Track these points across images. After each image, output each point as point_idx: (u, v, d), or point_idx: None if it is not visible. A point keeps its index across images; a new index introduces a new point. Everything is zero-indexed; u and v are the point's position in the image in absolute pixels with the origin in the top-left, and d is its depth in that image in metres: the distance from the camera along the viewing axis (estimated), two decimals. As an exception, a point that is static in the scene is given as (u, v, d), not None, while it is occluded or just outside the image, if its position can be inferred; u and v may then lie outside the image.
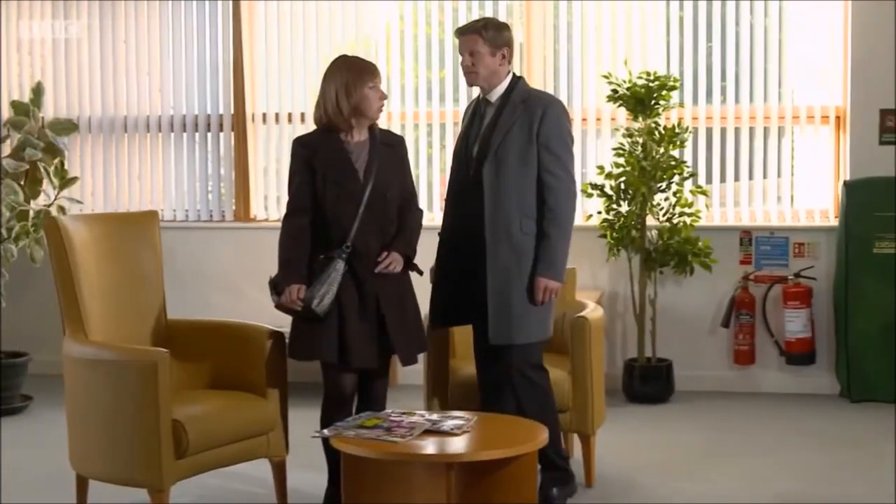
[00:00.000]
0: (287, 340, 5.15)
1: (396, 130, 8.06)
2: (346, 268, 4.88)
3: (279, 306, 4.95)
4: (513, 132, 5.07)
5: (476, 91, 5.31)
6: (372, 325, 4.94)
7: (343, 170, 4.94)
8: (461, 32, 5.21)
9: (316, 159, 4.94)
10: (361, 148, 5.00)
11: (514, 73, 5.24)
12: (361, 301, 4.93)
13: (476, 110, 5.27)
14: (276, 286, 4.94)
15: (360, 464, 4.47)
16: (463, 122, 5.39)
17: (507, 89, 5.17)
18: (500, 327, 5.08)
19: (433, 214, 7.98)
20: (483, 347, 5.20)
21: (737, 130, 7.77)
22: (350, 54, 5.21)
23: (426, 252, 5.21)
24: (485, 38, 5.11)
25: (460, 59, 5.23)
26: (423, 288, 5.21)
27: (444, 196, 5.41)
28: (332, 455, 4.83)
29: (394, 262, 4.95)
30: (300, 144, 5.04)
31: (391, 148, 5.10)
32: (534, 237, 5.10)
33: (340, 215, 4.91)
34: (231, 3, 8.19)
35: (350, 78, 4.93)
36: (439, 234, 5.31)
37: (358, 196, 4.91)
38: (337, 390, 4.97)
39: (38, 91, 7.70)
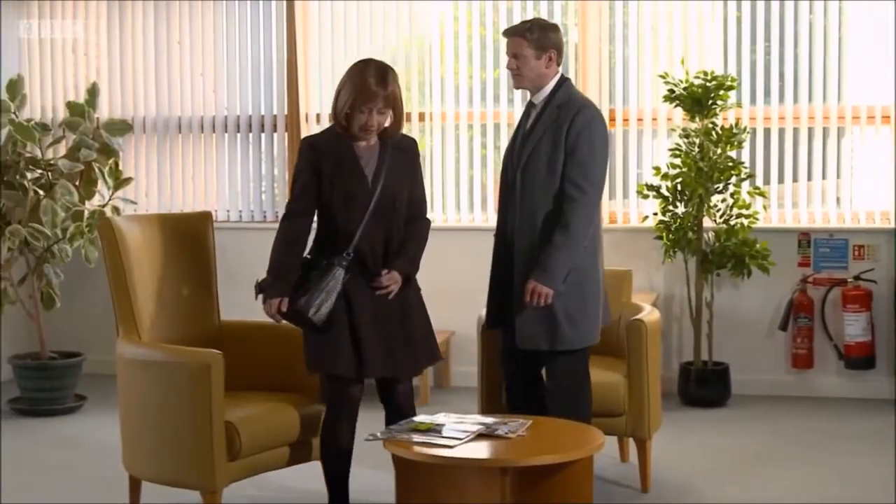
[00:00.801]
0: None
1: (450, 131, 8.05)
2: (347, 276, 4.72)
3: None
4: (544, 139, 4.99)
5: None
6: (386, 335, 4.80)
7: (352, 175, 4.78)
8: (507, 34, 5.15)
9: (324, 162, 4.78)
10: (372, 152, 4.85)
11: (561, 75, 5.13)
12: (374, 309, 4.78)
13: (526, 112, 5.22)
14: (262, 291, 4.77)
15: (414, 468, 4.43)
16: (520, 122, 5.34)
17: (552, 92, 5.08)
18: (530, 333, 5.00)
19: (487, 215, 7.96)
20: (513, 349, 5.14)
21: (795, 131, 7.67)
22: (371, 62, 4.88)
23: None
24: (529, 41, 5.03)
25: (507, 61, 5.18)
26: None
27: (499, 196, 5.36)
28: (332, 473, 4.79)
29: (392, 284, 4.79)
30: (309, 145, 4.86)
31: (403, 153, 4.92)
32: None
33: (346, 220, 4.75)
34: (285, 3, 8.19)
35: (349, 92, 4.77)
36: (495, 234, 5.26)
37: (365, 202, 4.76)
38: (349, 401, 4.78)
39: (93, 92, 7.72)
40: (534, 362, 5.14)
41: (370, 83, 4.75)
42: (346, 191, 4.76)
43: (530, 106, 5.16)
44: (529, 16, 7.85)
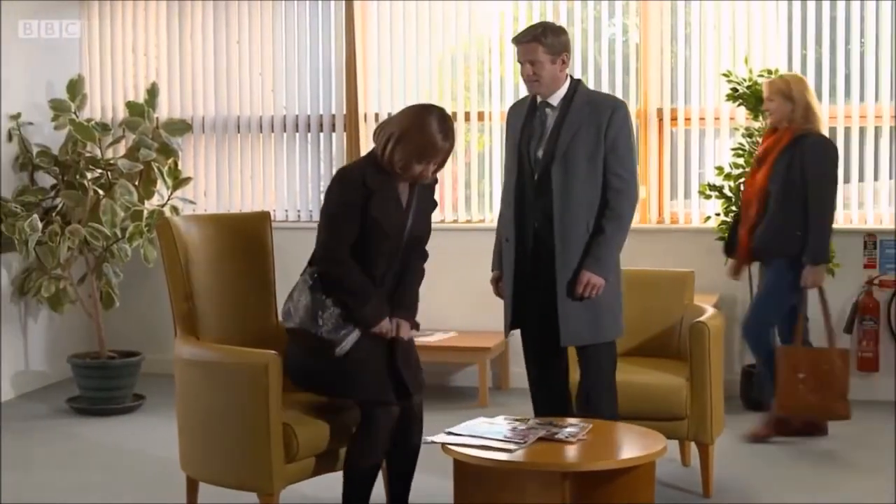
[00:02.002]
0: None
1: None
2: None
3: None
4: (581, 133, 5.00)
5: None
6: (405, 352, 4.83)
7: (395, 223, 4.71)
8: (519, 41, 5.10)
9: (372, 204, 4.64)
10: (404, 191, 4.80)
11: (570, 76, 5.16)
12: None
13: (532, 112, 5.17)
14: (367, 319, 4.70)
15: (473, 472, 4.38)
16: (511, 123, 5.27)
17: (569, 91, 5.10)
18: (574, 330, 5.01)
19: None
20: (541, 350, 5.18)
21: (861, 129, 7.53)
22: (433, 112, 4.71)
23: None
24: (545, 45, 5.02)
25: (520, 67, 5.13)
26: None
27: (503, 198, 5.29)
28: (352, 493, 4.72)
29: (402, 333, 4.79)
30: (362, 184, 4.66)
31: (428, 189, 4.90)
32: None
33: (375, 254, 4.71)
34: (344, 2, 8.17)
35: (412, 147, 4.62)
36: (505, 238, 5.21)
37: (398, 241, 4.76)
38: (390, 420, 4.71)
39: (152, 92, 7.75)
40: (559, 365, 5.22)
41: (437, 139, 4.65)
42: (386, 237, 4.71)
43: (544, 106, 5.12)
44: (590, 15, 7.81)
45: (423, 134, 4.62)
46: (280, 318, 4.83)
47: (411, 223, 4.78)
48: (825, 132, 6.48)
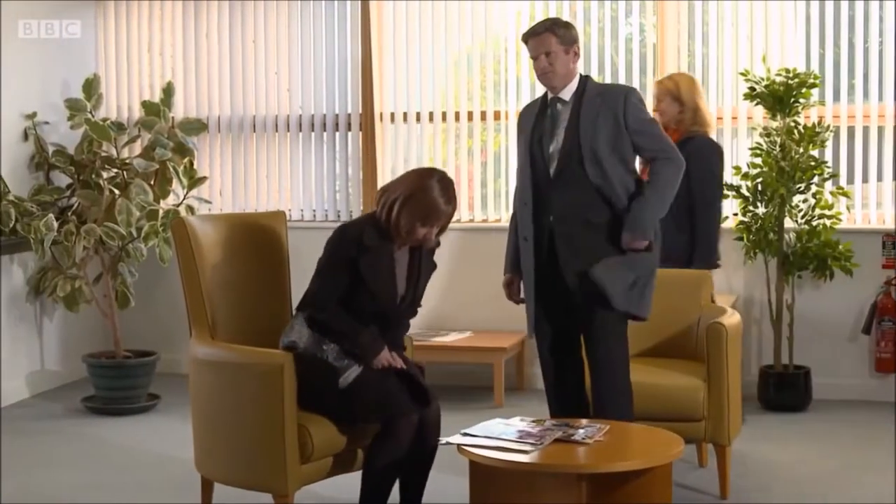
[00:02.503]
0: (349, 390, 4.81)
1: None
2: None
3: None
4: (599, 123, 5.00)
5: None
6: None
7: (385, 288, 4.78)
8: (533, 34, 5.11)
9: (362, 262, 4.72)
10: (403, 256, 4.86)
11: (580, 73, 5.16)
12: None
13: (543, 110, 5.16)
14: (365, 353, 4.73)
15: (489, 473, 4.36)
16: (522, 124, 5.26)
17: (579, 87, 5.10)
18: (621, 293, 5.00)
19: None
20: (558, 349, 5.18)
21: (880, 129, 7.48)
22: (434, 175, 4.79)
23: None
24: (558, 36, 5.05)
25: (533, 62, 5.13)
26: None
27: (518, 198, 5.26)
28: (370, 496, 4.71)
29: (397, 363, 4.79)
30: (354, 241, 4.74)
31: (430, 253, 4.94)
32: None
33: (360, 314, 4.76)
34: (360, 2, 8.15)
35: (415, 210, 4.69)
36: (523, 237, 5.18)
37: (389, 309, 4.82)
38: (411, 428, 4.71)
39: (168, 91, 7.74)
40: (575, 365, 5.21)
41: (439, 203, 4.73)
42: (375, 298, 4.76)
43: (556, 101, 5.12)
44: (607, 14, 7.79)
45: (427, 197, 4.69)
46: (280, 347, 4.82)
47: (404, 289, 4.85)
48: (713, 134, 6.46)
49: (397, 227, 4.72)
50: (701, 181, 6.18)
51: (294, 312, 4.90)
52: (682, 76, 6.59)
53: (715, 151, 6.37)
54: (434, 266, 4.98)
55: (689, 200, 6.12)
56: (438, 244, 4.95)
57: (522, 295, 5.25)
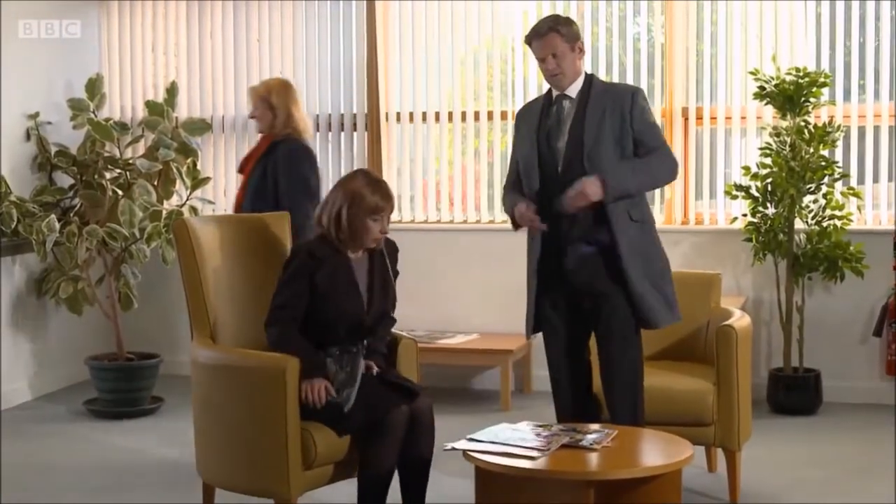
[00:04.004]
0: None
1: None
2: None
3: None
4: (605, 121, 4.94)
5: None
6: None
7: (346, 294, 4.76)
8: (536, 35, 5.03)
9: (319, 276, 4.72)
10: (361, 264, 4.85)
11: (584, 72, 5.11)
12: None
13: (548, 107, 5.10)
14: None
15: (495, 479, 4.29)
16: (523, 123, 5.19)
17: (585, 84, 5.05)
18: (651, 307, 4.96)
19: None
20: (565, 351, 5.12)
21: (890, 129, 7.41)
22: (364, 173, 4.91)
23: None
24: (562, 35, 4.99)
25: (540, 64, 5.06)
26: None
27: (513, 188, 5.20)
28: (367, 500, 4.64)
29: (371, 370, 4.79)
30: (308, 256, 4.75)
31: (388, 260, 4.93)
32: (643, 223, 5.00)
33: (338, 330, 4.75)
34: (365, 2, 8.09)
35: (360, 207, 4.74)
36: (531, 236, 5.12)
37: (359, 319, 4.78)
38: (401, 419, 4.65)
39: (172, 91, 7.70)
40: (582, 368, 5.15)
41: (377, 193, 4.78)
42: (341, 309, 4.75)
43: (562, 98, 5.05)
44: (615, 14, 7.74)
45: (365, 193, 4.75)
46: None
47: (368, 298, 4.82)
48: (308, 140, 6.25)
49: (352, 232, 4.75)
50: (289, 184, 6.02)
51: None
52: (276, 82, 6.38)
53: (307, 157, 6.14)
54: (397, 273, 4.98)
55: (279, 205, 5.92)
56: (397, 249, 4.99)
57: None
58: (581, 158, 4.94)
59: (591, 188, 4.82)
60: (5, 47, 7.37)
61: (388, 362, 4.94)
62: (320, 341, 4.74)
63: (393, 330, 5.09)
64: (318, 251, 4.77)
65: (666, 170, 5.03)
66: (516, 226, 5.13)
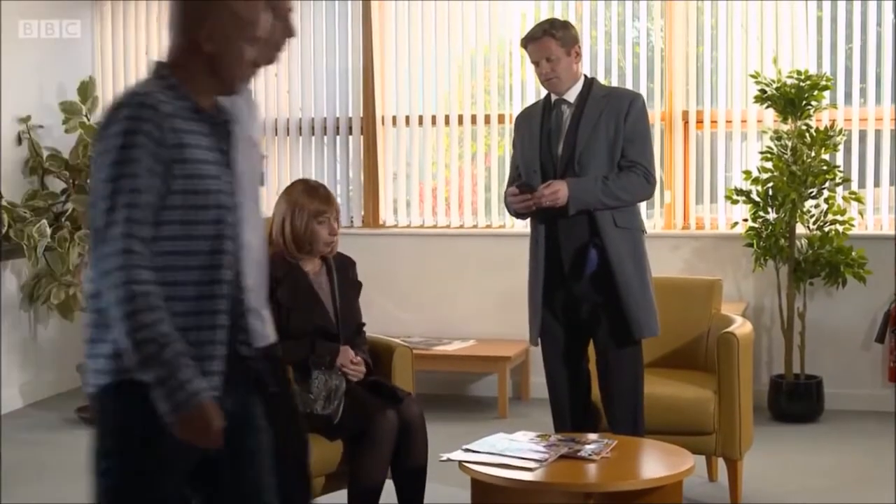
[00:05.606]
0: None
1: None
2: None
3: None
4: (600, 125, 4.89)
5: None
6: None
7: (311, 307, 4.75)
8: (531, 39, 4.99)
9: (280, 294, 4.67)
10: (320, 278, 4.84)
11: (585, 75, 5.06)
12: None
13: (548, 112, 5.04)
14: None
15: (492, 491, 4.21)
16: (522, 128, 5.13)
17: (584, 88, 4.99)
18: (643, 321, 4.90)
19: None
20: (564, 358, 5.06)
21: (893, 132, 7.34)
22: (302, 181, 4.95)
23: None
24: (557, 39, 4.93)
25: (535, 68, 5.01)
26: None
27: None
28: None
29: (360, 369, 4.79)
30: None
31: (346, 273, 4.92)
32: (633, 230, 4.94)
33: (313, 343, 4.71)
34: (361, 4, 8.02)
35: (304, 209, 4.74)
36: (535, 240, 5.05)
37: (329, 330, 4.76)
38: (391, 425, 4.61)
39: (168, 93, 7.61)
40: (581, 375, 5.10)
41: (315, 195, 4.79)
42: (308, 322, 4.73)
43: (561, 103, 5.00)
44: (613, 15, 7.65)
45: (306, 199, 4.76)
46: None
47: (333, 308, 4.81)
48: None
49: (301, 238, 4.75)
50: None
51: None
52: None
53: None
54: (359, 285, 4.98)
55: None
56: (354, 263, 4.98)
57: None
58: (574, 165, 4.90)
59: (560, 192, 4.80)
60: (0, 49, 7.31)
61: (371, 370, 4.88)
62: (303, 359, 4.67)
63: (388, 337, 5.03)
64: (274, 271, 4.63)
65: (636, 192, 4.93)
66: (522, 216, 5.14)
